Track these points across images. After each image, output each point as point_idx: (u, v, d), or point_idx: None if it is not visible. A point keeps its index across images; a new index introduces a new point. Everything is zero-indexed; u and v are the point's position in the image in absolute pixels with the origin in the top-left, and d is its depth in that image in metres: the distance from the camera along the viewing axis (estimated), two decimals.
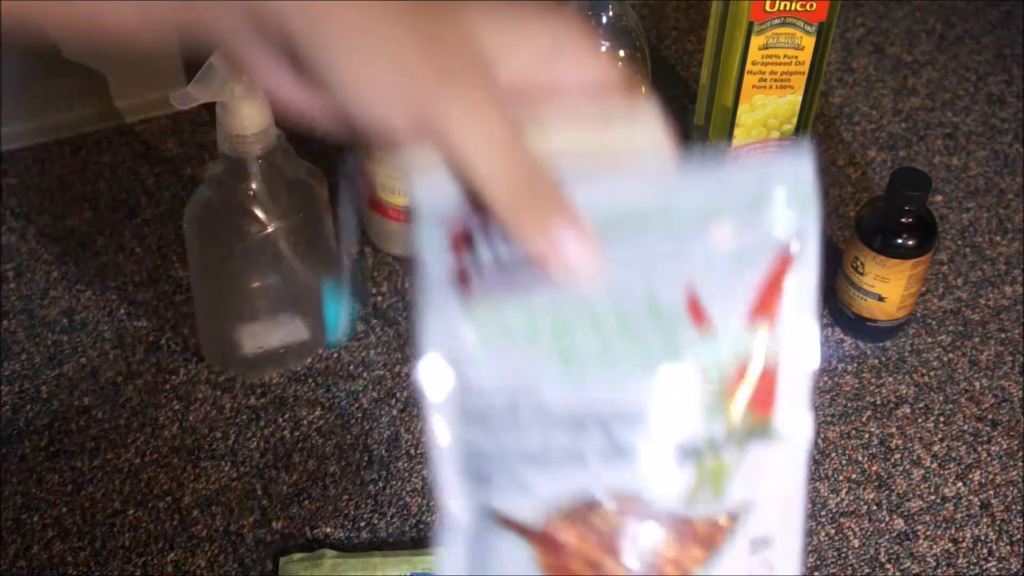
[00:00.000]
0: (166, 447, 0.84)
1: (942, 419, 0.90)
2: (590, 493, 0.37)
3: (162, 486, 0.82)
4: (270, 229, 0.81)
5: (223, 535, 0.80)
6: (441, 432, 0.38)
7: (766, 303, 0.37)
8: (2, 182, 1.01)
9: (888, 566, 0.81)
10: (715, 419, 0.37)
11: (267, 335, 0.87)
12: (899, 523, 0.83)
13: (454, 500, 0.38)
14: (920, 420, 0.90)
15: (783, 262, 0.38)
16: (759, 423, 0.38)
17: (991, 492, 0.85)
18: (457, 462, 0.38)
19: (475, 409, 0.37)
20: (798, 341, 0.38)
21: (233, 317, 0.87)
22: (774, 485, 0.39)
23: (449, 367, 0.37)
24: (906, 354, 0.94)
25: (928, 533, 0.83)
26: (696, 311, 0.37)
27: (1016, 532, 0.83)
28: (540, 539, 0.37)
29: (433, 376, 0.37)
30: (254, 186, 0.80)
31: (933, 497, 0.85)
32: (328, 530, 0.81)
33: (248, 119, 0.76)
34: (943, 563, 0.81)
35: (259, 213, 0.81)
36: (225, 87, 0.74)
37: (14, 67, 0.98)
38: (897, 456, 0.87)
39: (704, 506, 0.37)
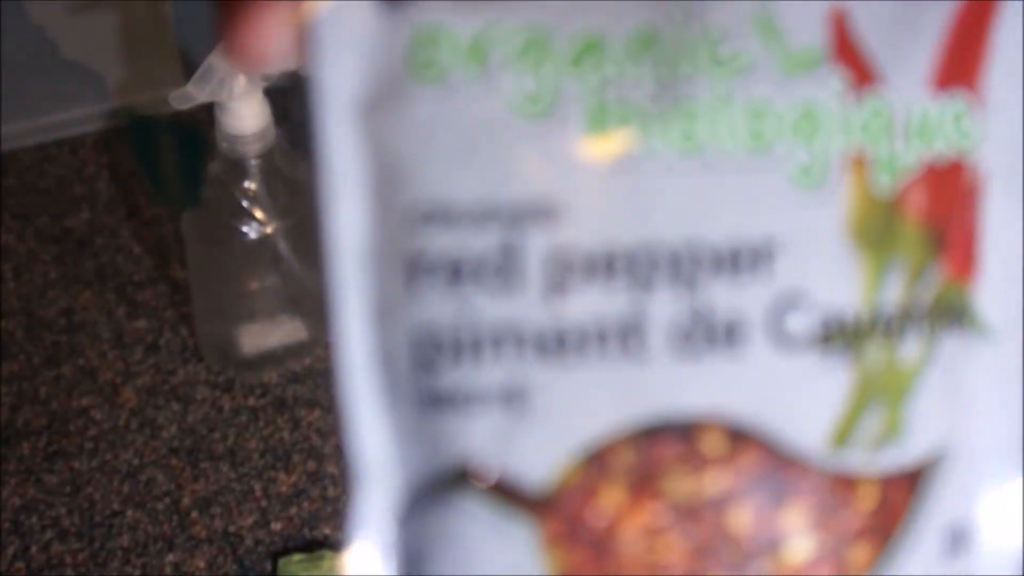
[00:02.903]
0: (165, 448, 0.84)
1: None
2: (659, 416, 0.19)
3: (161, 487, 0.82)
4: (269, 229, 0.81)
5: (222, 536, 0.80)
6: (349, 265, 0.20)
7: (965, 59, 0.21)
8: (1, 182, 1.01)
9: None
10: (884, 270, 0.20)
11: (266, 335, 0.87)
12: None
13: (372, 445, 0.21)
14: None
15: None
16: (952, 292, 0.21)
17: None
18: (379, 360, 0.20)
19: (416, 221, 0.20)
20: (1015, 143, 0.21)
21: (232, 317, 0.87)
22: (981, 427, 0.21)
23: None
24: None
25: None
26: (846, 48, 0.20)
27: None
28: (556, 520, 0.19)
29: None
30: (253, 186, 0.80)
31: None
32: (327, 531, 0.80)
33: (247, 119, 0.76)
34: None
35: (258, 213, 0.81)
36: (224, 87, 0.74)
37: (14, 67, 0.98)
38: None
39: (870, 453, 0.20)
